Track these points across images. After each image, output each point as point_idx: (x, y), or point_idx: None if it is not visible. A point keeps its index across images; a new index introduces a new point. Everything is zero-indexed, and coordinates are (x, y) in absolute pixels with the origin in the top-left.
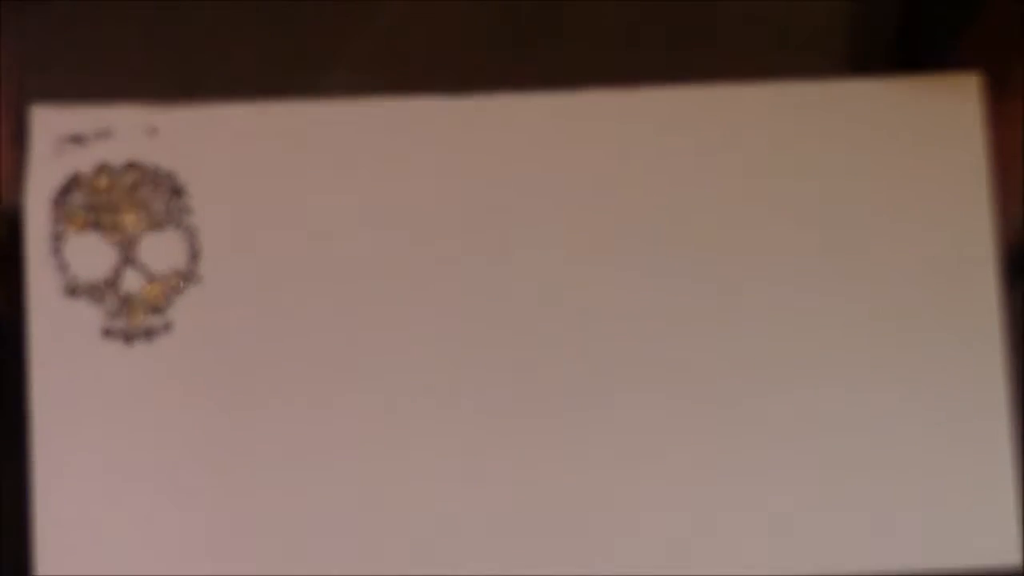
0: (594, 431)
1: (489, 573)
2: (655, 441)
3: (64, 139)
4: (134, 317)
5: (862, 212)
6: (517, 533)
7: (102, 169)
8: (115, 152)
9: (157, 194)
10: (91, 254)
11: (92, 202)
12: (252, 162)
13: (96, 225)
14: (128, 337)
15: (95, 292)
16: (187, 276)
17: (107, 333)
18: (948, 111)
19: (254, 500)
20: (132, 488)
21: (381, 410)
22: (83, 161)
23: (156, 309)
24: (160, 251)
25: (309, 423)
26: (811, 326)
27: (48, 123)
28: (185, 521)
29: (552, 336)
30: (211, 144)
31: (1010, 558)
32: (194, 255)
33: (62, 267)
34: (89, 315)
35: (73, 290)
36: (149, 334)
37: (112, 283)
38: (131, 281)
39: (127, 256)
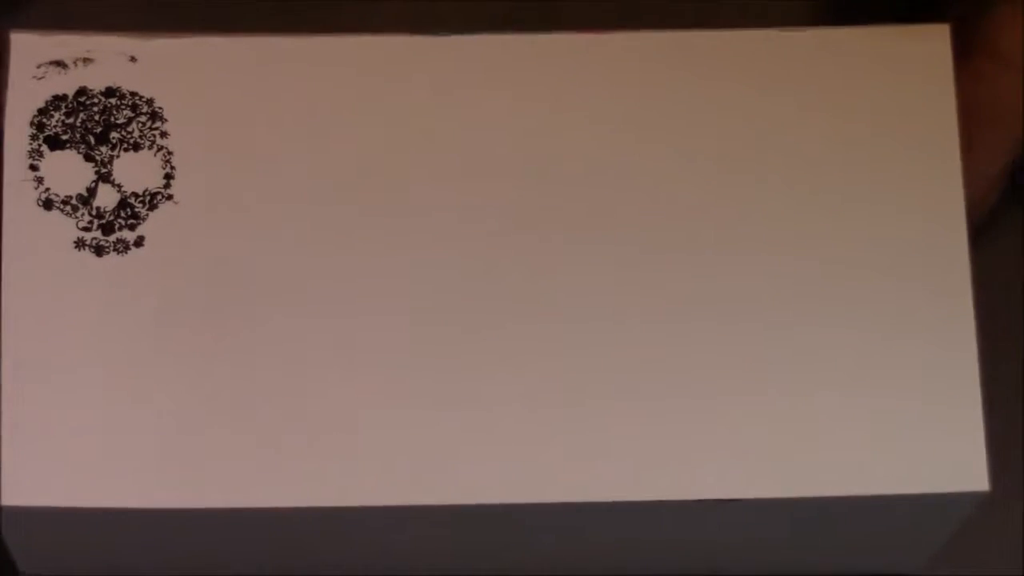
0: (590, 350)
1: (491, 500)
2: (637, 367)
3: (44, 64)
4: (106, 230)
5: (831, 157)
6: (517, 460)
7: (81, 92)
8: (95, 78)
9: (135, 117)
10: (67, 171)
11: (71, 122)
12: (228, 91)
13: (73, 144)
14: (99, 250)
15: (69, 205)
16: (161, 195)
17: (79, 244)
18: (918, 60)
19: (223, 419)
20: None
21: (352, 331)
22: (62, 85)
23: (129, 224)
24: (135, 171)
25: (274, 340)
26: (781, 263)
27: (27, 49)
28: (156, 438)
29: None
30: (189, 73)
31: (978, 484)
32: (169, 176)
33: (38, 181)
34: (62, 227)
35: (47, 203)
36: (121, 247)
37: (86, 198)
38: (105, 196)
39: (102, 173)
